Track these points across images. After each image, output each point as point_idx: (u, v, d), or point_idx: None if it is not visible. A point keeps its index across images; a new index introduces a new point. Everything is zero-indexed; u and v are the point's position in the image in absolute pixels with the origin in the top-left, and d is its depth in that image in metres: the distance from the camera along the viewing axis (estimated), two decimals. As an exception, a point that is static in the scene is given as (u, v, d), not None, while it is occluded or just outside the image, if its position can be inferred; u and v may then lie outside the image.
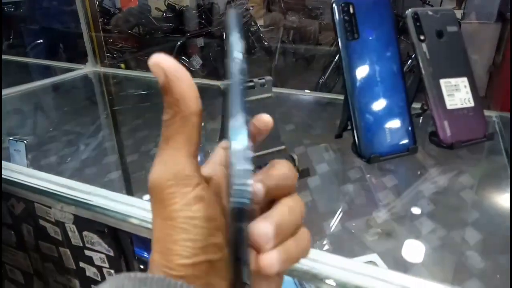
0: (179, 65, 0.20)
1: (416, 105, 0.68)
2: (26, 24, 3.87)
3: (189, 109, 0.20)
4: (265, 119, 0.25)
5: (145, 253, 0.64)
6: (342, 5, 0.58)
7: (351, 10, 0.58)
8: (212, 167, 0.25)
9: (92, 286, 0.69)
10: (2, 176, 0.67)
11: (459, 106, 0.61)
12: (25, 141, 0.86)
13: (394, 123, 0.60)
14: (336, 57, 2.70)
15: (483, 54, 2.63)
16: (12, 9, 4.12)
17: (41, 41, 3.72)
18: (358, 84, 0.58)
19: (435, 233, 0.90)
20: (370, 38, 0.59)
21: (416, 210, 0.91)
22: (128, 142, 1.45)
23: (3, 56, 2.18)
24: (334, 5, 0.58)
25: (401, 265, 0.75)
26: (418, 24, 0.61)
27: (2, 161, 0.71)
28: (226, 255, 0.21)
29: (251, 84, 0.54)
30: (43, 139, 1.39)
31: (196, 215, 0.20)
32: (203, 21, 3.50)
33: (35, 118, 1.50)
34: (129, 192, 1.20)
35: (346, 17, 0.58)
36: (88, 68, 1.42)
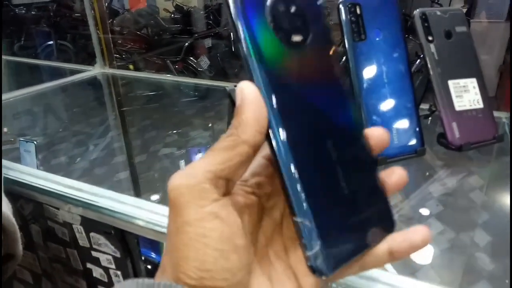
0: (258, 97, 0.20)
1: (424, 106, 0.67)
2: (37, 25, 3.92)
3: (243, 135, 0.20)
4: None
5: (152, 253, 0.64)
6: (349, 5, 0.57)
7: (358, 11, 0.57)
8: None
9: (99, 287, 0.69)
10: (12, 177, 0.68)
11: (468, 107, 0.60)
12: (35, 142, 0.87)
13: (402, 125, 0.59)
14: (343, 58, 2.68)
15: (494, 53, 2.60)
16: (24, 11, 4.17)
17: (52, 42, 3.76)
18: (365, 85, 0.58)
19: (444, 234, 0.89)
20: (377, 39, 0.58)
21: (424, 211, 0.90)
22: (136, 143, 1.46)
23: (15, 58, 2.21)
24: (340, 5, 0.57)
25: (409, 267, 0.74)
26: (426, 24, 0.60)
27: (12, 163, 0.72)
28: (240, 280, 0.20)
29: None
30: (53, 140, 1.41)
31: (209, 234, 0.19)
32: (211, 22, 3.51)
33: (46, 119, 1.51)
34: (137, 192, 1.21)
35: (353, 18, 0.57)
36: (96, 70, 1.42)
